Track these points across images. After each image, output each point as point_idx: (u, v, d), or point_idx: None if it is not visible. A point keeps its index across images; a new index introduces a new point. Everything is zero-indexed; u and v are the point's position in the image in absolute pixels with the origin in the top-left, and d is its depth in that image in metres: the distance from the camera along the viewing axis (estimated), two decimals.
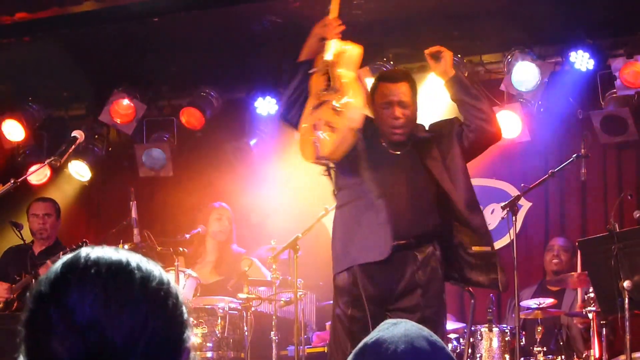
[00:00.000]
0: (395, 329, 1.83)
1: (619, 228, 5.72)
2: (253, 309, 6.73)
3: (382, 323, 1.88)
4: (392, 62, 8.03)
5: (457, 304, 8.02)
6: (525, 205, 8.10)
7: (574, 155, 6.38)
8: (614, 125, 7.79)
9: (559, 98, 7.98)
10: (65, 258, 1.48)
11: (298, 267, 6.53)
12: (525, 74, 7.77)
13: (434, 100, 7.73)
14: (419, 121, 5.15)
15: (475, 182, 8.37)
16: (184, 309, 1.50)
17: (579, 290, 7.12)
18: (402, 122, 4.97)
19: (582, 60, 7.69)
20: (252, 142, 8.78)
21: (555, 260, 7.59)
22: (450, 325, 7.04)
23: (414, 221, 4.91)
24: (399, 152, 5.02)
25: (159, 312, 1.45)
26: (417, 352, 1.78)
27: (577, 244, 6.12)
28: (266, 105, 8.65)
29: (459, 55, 7.86)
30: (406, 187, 4.97)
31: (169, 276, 1.51)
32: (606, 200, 7.91)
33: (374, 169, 4.95)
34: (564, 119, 8.03)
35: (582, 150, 6.31)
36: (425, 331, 1.83)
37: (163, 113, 9.15)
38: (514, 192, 7.71)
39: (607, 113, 7.84)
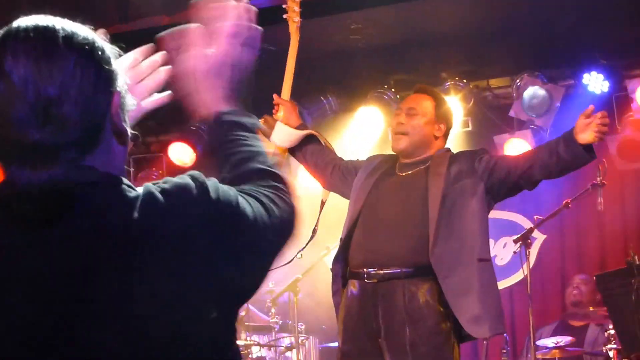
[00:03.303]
0: None
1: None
2: (251, 356, 6.45)
3: None
4: (393, 90, 7.73)
5: (470, 345, 7.68)
6: (539, 238, 7.86)
7: (589, 184, 6.07)
8: (632, 151, 7.55)
9: (572, 123, 7.59)
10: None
11: (298, 311, 6.34)
12: (535, 98, 7.45)
13: None
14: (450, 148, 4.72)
15: None
16: (112, 60, 1.68)
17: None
18: (404, 129, 4.56)
19: (596, 82, 7.39)
20: None
21: (575, 292, 7.37)
22: None
23: (405, 248, 4.34)
24: (404, 174, 4.55)
25: (84, 62, 1.62)
26: None
27: (594, 278, 5.86)
28: None
29: (465, 81, 7.56)
30: (401, 208, 4.41)
31: (94, 34, 1.68)
32: (625, 231, 7.65)
33: (369, 192, 4.52)
34: None
35: (598, 179, 5.97)
36: None
37: (151, 150, 8.80)
38: (527, 224, 7.44)
39: (624, 137, 7.59)
